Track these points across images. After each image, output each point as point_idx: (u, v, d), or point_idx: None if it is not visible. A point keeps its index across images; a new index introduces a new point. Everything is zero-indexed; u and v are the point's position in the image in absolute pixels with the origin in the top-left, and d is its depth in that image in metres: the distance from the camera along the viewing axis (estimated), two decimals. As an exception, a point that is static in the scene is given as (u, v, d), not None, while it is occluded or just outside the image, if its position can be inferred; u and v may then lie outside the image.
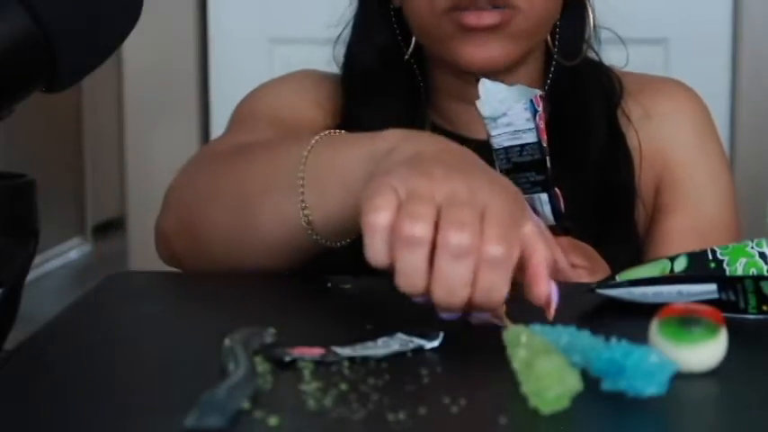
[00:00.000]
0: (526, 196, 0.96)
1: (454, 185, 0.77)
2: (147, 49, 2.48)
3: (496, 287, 0.75)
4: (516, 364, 0.69)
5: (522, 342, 0.70)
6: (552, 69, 1.22)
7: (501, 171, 0.97)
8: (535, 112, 0.93)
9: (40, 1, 0.78)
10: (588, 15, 1.22)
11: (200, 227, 1.02)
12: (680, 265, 0.87)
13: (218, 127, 2.45)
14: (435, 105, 1.24)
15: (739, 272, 0.85)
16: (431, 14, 1.14)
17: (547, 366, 0.66)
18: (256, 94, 1.28)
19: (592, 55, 1.25)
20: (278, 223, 0.95)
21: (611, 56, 1.28)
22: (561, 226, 0.98)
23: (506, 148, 0.95)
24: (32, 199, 0.83)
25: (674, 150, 1.22)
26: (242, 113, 1.25)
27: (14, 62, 0.78)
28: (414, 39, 1.21)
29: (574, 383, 0.65)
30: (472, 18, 1.10)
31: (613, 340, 0.70)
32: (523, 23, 1.12)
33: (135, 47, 2.45)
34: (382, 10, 1.23)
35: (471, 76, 1.12)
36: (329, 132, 0.96)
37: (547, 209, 0.97)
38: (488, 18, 1.10)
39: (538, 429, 0.65)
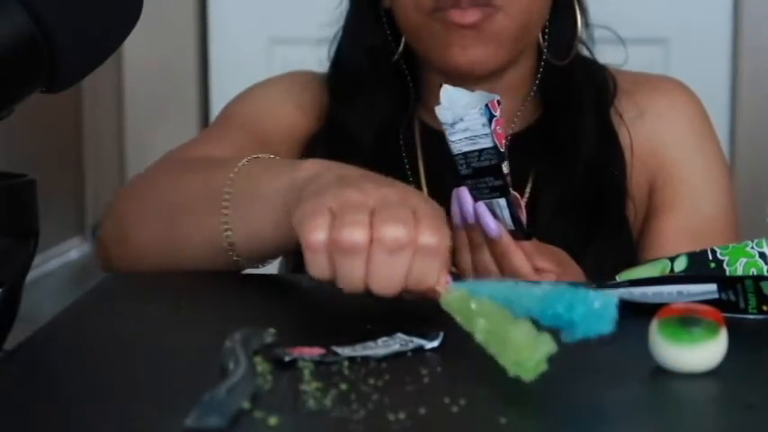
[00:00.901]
0: (486, 201, 0.97)
1: (385, 192, 0.82)
2: (147, 49, 2.48)
3: (430, 275, 0.80)
4: (480, 335, 0.72)
5: (473, 310, 0.73)
6: (541, 68, 1.22)
7: (461, 176, 0.98)
8: (491, 117, 0.94)
9: (40, 1, 0.78)
10: (577, 15, 1.22)
11: (134, 237, 1.04)
12: (680, 265, 0.87)
13: (218, 127, 2.45)
14: (426, 103, 1.24)
15: (739, 272, 0.85)
16: (417, 15, 1.15)
17: (521, 337, 0.69)
18: (240, 99, 1.30)
19: (586, 53, 1.25)
20: (202, 242, 0.99)
21: (611, 56, 1.28)
22: (521, 231, 0.99)
23: (465, 154, 0.96)
24: (32, 199, 0.83)
25: (669, 149, 1.22)
26: (222, 117, 1.27)
27: (14, 62, 0.78)
28: (403, 39, 1.21)
29: (549, 347, 0.68)
30: (457, 16, 1.12)
31: (545, 286, 0.73)
32: (505, 22, 1.13)
33: (135, 46, 2.44)
34: (373, 10, 1.23)
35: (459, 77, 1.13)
36: (257, 156, 1.00)
37: (506, 214, 0.97)
38: (471, 16, 1.12)
39: (538, 429, 0.65)
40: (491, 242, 0.98)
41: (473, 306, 0.73)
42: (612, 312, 0.70)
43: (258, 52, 2.47)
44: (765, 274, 0.85)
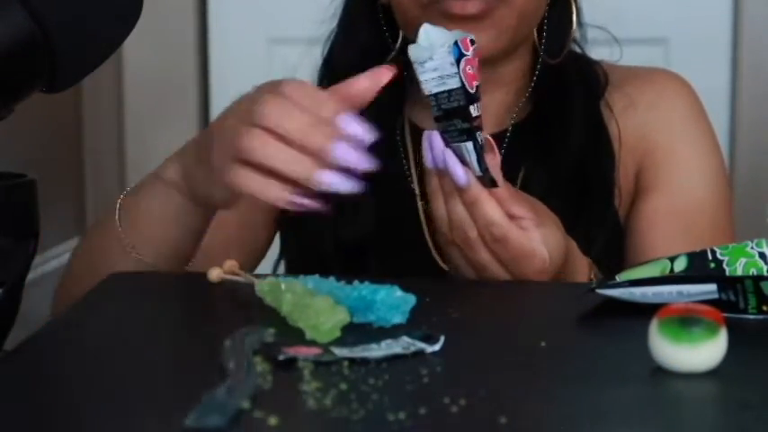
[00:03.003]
0: (455, 145, 0.93)
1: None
2: (147, 49, 2.48)
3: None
4: (286, 307, 0.81)
5: (283, 289, 0.83)
6: (539, 67, 1.22)
7: (434, 119, 0.94)
8: (461, 55, 0.90)
9: (41, 1, 0.78)
10: (573, 12, 1.22)
11: (71, 283, 1.10)
12: (680, 265, 0.87)
13: (218, 127, 2.44)
14: (416, 103, 1.23)
15: (739, 272, 0.85)
16: (415, 7, 1.13)
17: (321, 304, 0.79)
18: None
19: (578, 50, 1.25)
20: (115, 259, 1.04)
21: (609, 56, 1.28)
22: (488, 177, 0.94)
23: (436, 95, 0.92)
24: (32, 199, 0.83)
25: (656, 134, 1.22)
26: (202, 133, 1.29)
27: (14, 62, 0.78)
28: (401, 35, 1.20)
29: (344, 316, 0.78)
30: (457, 7, 1.10)
31: (356, 283, 0.83)
32: (507, 14, 1.12)
33: (135, 47, 2.44)
34: (370, 5, 1.22)
35: None
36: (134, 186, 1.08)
37: (473, 159, 0.93)
38: (472, 7, 1.10)
39: (538, 429, 0.65)
40: (462, 190, 0.95)
41: (283, 287, 0.84)
42: (407, 308, 0.81)
43: (258, 52, 2.47)
44: (765, 274, 0.85)
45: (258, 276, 0.90)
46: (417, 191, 1.20)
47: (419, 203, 1.20)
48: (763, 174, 2.34)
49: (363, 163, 0.86)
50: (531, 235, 0.97)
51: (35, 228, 0.84)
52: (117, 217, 1.05)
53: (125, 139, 2.62)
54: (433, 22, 1.12)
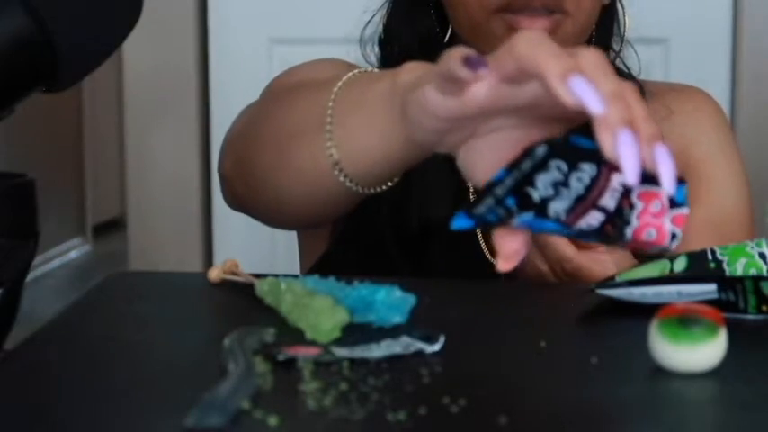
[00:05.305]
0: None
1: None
2: (147, 49, 2.48)
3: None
4: (285, 307, 0.82)
5: (283, 290, 0.84)
6: None
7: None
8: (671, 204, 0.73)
9: (41, 1, 0.78)
10: (619, 20, 1.24)
11: (253, 169, 1.00)
12: (679, 265, 0.87)
13: (218, 127, 2.45)
14: None
15: (739, 272, 0.85)
16: (480, 12, 1.12)
17: (322, 303, 0.79)
18: (292, 70, 1.23)
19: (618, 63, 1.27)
20: (312, 165, 0.92)
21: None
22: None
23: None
24: (32, 199, 0.83)
25: (695, 147, 1.25)
26: (279, 84, 1.19)
27: (14, 62, 0.79)
28: (450, 27, 1.20)
29: (344, 316, 0.79)
30: (525, 23, 1.09)
31: (355, 283, 0.84)
32: (571, 28, 1.12)
33: (135, 47, 2.44)
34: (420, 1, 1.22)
35: None
36: (360, 71, 0.94)
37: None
38: (540, 24, 1.09)
39: (538, 429, 0.65)
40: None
41: (282, 287, 0.84)
42: (407, 308, 0.81)
43: (258, 52, 2.47)
44: (765, 274, 0.85)
45: (258, 276, 0.90)
46: (470, 184, 1.21)
47: (471, 197, 1.20)
48: (764, 174, 2.34)
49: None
50: (602, 261, 0.98)
51: (35, 228, 0.84)
52: (337, 86, 0.90)
53: (125, 139, 2.62)
54: (496, 30, 1.11)
